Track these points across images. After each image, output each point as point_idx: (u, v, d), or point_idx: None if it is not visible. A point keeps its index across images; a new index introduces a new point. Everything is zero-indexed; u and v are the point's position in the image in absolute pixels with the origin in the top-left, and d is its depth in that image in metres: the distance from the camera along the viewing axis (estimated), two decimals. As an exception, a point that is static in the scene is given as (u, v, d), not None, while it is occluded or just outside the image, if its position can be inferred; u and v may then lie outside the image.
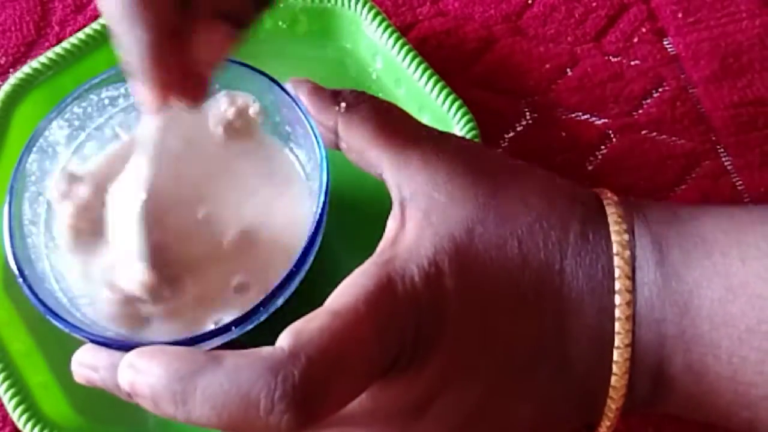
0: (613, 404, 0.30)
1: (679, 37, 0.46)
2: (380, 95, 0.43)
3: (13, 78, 0.42)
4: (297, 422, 0.25)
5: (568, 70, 0.46)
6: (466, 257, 0.29)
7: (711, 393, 0.29)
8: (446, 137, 0.32)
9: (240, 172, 0.37)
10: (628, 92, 0.45)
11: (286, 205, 0.36)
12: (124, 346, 0.30)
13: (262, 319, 0.31)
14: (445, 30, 0.47)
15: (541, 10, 0.47)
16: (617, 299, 0.29)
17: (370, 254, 0.30)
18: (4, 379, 0.37)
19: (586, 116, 0.45)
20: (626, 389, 0.30)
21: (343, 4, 0.44)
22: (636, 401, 0.31)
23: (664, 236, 0.30)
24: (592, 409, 0.31)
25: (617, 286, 0.29)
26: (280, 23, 0.45)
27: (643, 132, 0.44)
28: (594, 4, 0.47)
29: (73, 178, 0.36)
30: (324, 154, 0.33)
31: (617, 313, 0.29)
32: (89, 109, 0.37)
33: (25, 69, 0.42)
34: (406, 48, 0.42)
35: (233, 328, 0.31)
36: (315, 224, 0.32)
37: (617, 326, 0.29)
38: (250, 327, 0.31)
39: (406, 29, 0.47)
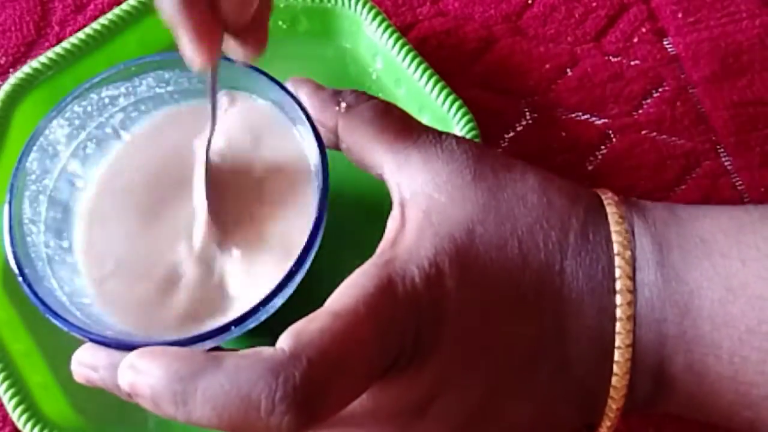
0: (614, 404, 0.30)
1: (679, 37, 0.46)
2: (380, 95, 0.43)
3: (13, 78, 0.42)
4: (297, 423, 0.25)
5: (568, 70, 0.46)
6: (467, 258, 0.29)
7: (712, 393, 0.29)
8: (446, 138, 0.32)
9: (242, 172, 0.37)
10: (628, 92, 0.45)
11: (286, 204, 0.36)
12: (124, 346, 0.30)
13: (262, 319, 0.31)
14: (445, 30, 0.47)
15: (541, 10, 0.47)
16: (618, 299, 0.29)
17: (370, 254, 0.30)
18: (4, 379, 0.37)
19: (586, 116, 0.45)
20: (627, 389, 0.30)
21: (343, 5, 0.44)
22: (637, 401, 0.31)
23: (664, 237, 0.30)
24: (592, 408, 0.31)
25: (618, 286, 0.29)
26: (281, 23, 0.45)
27: (643, 132, 0.44)
28: (594, 4, 0.47)
29: None
30: (324, 154, 0.33)
31: (618, 313, 0.29)
32: (89, 108, 0.37)
33: (25, 69, 0.42)
34: (406, 48, 0.42)
35: (233, 327, 0.31)
36: (315, 224, 0.32)
37: (618, 326, 0.29)
38: (250, 327, 0.31)
39: (406, 29, 0.47)
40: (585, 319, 0.29)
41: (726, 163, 0.44)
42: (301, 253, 0.31)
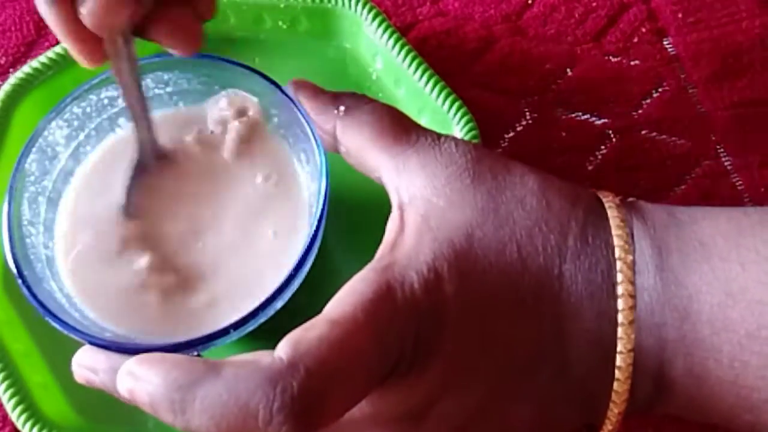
0: (615, 408, 0.30)
1: (679, 37, 0.46)
2: (380, 95, 0.43)
3: (13, 78, 0.42)
4: None
5: (568, 70, 0.46)
6: (466, 263, 0.29)
7: (712, 396, 0.29)
8: (445, 140, 0.32)
9: (240, 171, 0.37)
10: (628, 92, 0.45)
11: (286, 206, 0.36)
12: (122, 349, 0.30)
13: (261, 321, 0.31)
14: (445, 30, 0.47)
15: (541, 10, 0.47)
16: (620, 304, 0.29)
17: (370, 257, 0.30)
18: (4, 379, 0.37)
19: (586, 116, 0.45)
20: (628, 393, 0.30)
21: (343, 5, 0.44)
22: (637, 403, 0.31)
23: (663, 240, 0.30)
24: (592, 409, 0.31)
25: (620, 290, 0.29)
26: (281, 23, 0.45)
27: (643, 132, 0.44)
28: (594, 4, 0.47)
29: None
30: (323, 157, 0.33)
31: (620, 318, 0.29)
32: (88, 110, 0.37)
33: (25, 69, 0.42)
34: (406, 48, 0.42)
35: (231, 330, 0.31)
36: (314, 227, 0.32)
37: (620, 331, 0.29)
38: (249, 330, 0.31)
39: (406, 29, 0.47)
40: (584, 323, 0.29)
41: (726, 163, 0.44)
42: (300, 256, 0.31)
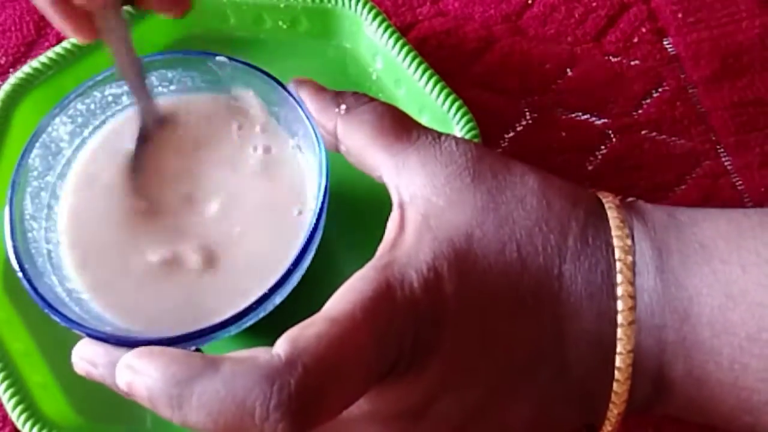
0: (615, 409, 0.30)
1: (679, 37, 0.46)
2: (380, 95, 0.43)
3: (13, 78, 0.42)
4: (292, 430, 0.25)
5: (568, 70, 0.46)
6: (465, 262, 0.29)
7: (712, 398, 0.29)
8: (445, 139, 0.32)
9: (242, 170, 0.37)
10: (628, 92, 0.45)
11: (286, 203, 0.36)
12: (122, 342, 0.30)
13: (259, 317, 0.31)
14: (445, 30, 0.47)
15: (541, 10, 0.47)
16: (620, 305, 0.29)
17: (370, 255, 0.30)
18: (4, 379, 0.37)
19: (586, 116, 0.45)
20: (628, 394, 0.30)
21: (343, 5, 0.44)
22: (636, 403, 0.31)
23: (663, 242, 0.30)
24: (591, 410, 0.31)
25: (620, 291, 0.29)
26: (281, 23, 0.45)
27: (643, 132, 0.44)
28: (594, 4, 0.47)
29: None
30: (324, 155, 0.33)
31: (620, 319, 0.29)
32: (92, 106, 0.37)
33: (25, 69, 0.42)
34: (406, 48, 0.42)
35: (230, 325, 0.31)
36: (314, 224, 0.32)
37: (619, 332, 0.29)
38: (248, 325, 0.31)
39: (406, 29, 0.47)
40: (584, 323, 0.29)
41: (726, 163, 0.44)
42: (299, 252, 0.31)
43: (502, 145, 0.44)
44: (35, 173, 0.35)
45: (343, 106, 0.33)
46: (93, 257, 0.35)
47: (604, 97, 0.45)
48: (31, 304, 0.32)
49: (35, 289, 0.32)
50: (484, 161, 0.31)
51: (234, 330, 0.31)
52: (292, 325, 0.27)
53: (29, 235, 0.34)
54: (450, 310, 0.28)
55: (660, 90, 0.45)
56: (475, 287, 0.29)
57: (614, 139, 0.44)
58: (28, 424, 0.36)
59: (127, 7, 0.40)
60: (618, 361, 0.29)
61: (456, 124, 0.41)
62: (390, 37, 0.43)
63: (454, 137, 0.32)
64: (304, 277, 0.32)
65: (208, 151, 0.37)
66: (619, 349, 0.29)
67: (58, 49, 0.42)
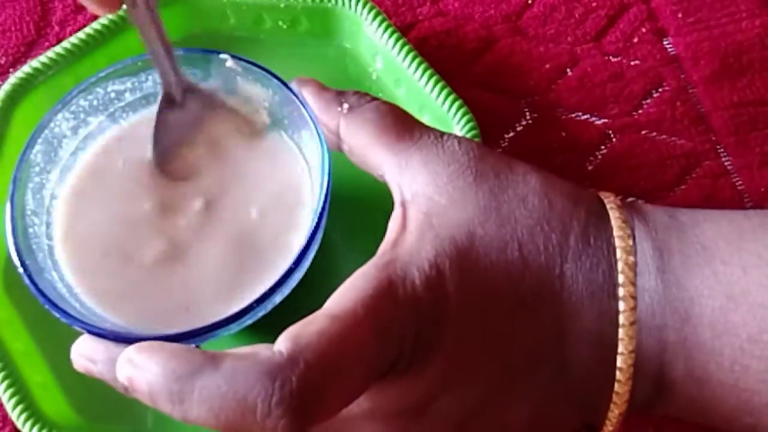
0: (616, 409, 0.30)
1: (679, 37, 0.46)
2: (380, 95, 0.43)
3: (13, 78, 0.42)
4: (293, 427, 0.25)
5: (568, 70, 0.46)
6: (467, 261, 0.29)
7: (713, 399, 0.29)
8: (448, 138, 0.32)
9: (245, 167, 0.37)
10: (628, 92, 0.45)
11: (287, 202, 0.36)
12: (122, 338, 0.30)
13: (260, 315, 0.31)
14: (445, 30, 0.47)
15: (541, 10, 0.47)
16: (621, 305, 0.29)
17: (371, 254, 0.30)
18: (4, 379, 0.37)
19: (586, 116, 0.45)
20: (629, 395, 0.30)
21: (343, 5, 0.44)
22: (637, 403, 0.31)
23: (664, 242, 0.30)
24: (592, 410, 0.31)
25: (621, 292, 0.29)
26: (281, 23, 0.45)
27: (643, 132, 0.44)
28: (594, 4, 0.47)
29: None
30: (326, 154, 0.33)
31: (621, 319, 0.29)
32: (95, 103, 0.37)
33: (25, 69, 0.42)
34: (406, 48, 0.42)
35: (231, 323, 0.31)
36: (315, 223, 0.32)
37: (621, 333, 0.29)
38: (248, 323, 0.31)
39: (406, 29, 0.47)
40: (584, 323, 0.29)
41: (726, 163, 0.44)
42: (300, 251, 0.31)
43: (502, 145, 0.44)
44: (37, 169, 0.35)
45: (346, 105, 0.33)
46: (93, 255, 0.35)
47: (604, 97, 0.45)
48: (32, 303, 0.32)
49: (36, 285, 0.31)
50: (486, 160, 0.31)
51: (234, 328, 0.31)
52: (292, 324, 0.27)
53: (30, 230, 0.34)
54: (451, 308, 0.28)
55: (660, 90, 0.45)
56: (476, 285, 0.29)
57: (614, 139, 0.44)
58: (28, 424, 0.36)
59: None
60: (619, 362, 0.29)
61: (456, 123, 0.41)
62: (390, 37, 0.43)
63: (457, 136, 0.32)
64: (304, 275, 0.32)
65: (209, 150, 0.37)
66: (620, 349, 0.29)
67: (58, 49, 0.42)
